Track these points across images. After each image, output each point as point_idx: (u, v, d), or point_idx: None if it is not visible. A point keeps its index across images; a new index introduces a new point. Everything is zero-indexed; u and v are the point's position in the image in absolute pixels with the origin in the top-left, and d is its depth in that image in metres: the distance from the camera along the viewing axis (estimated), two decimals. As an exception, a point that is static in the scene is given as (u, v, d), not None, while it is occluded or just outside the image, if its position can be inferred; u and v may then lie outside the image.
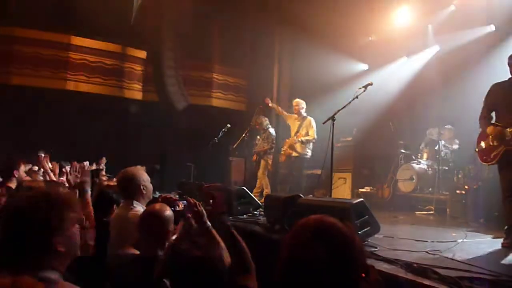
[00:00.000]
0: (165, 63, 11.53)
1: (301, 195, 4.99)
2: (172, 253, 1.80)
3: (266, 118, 9.32)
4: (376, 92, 8.86)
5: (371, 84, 5.96)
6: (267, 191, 8.87)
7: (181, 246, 1.82)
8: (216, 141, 9.30)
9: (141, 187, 3.46)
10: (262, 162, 9.09)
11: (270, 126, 9.34)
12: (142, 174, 3.56)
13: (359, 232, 3.93)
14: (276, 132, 9.44)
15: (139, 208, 3.33)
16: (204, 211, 2.97)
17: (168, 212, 2.74)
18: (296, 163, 8.31)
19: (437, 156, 8.15)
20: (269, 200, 5.45)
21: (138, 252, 2.71)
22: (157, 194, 8.69)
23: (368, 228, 4.08)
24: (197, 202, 2.97)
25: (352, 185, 9.51)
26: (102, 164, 7.94)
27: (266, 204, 5.56)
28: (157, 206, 2.78)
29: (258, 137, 9.37)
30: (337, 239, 1.37)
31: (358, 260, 1.37)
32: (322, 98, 9.76)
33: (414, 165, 8.46)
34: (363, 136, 10.04)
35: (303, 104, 8.44)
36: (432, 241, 4.36)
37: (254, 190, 8.90)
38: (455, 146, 8.14)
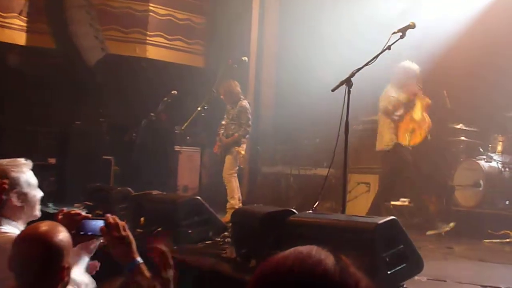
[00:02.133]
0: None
1: (294, 210, 5.01)
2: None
3: (237, 84, 9.29)
4: (421, 41, 8.89)
5: (412, 27, 5.96)
6: (232, 203, 8.94)
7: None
8: (154, 118, 9.24)
9: (16, 195, 3.41)
10: (228, 157, 9.11)
11: (243, 97, 9.33)
12: (20, 173, 3.50)
13: (389, 272, 3.98)
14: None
15: (13, 230, 3.30)
16: (132, 238, 2.98)
17: (61, 236, 2.70)
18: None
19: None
20: (240, 219, 5.47)
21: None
22: (51, 207, 8.66)
23: (404, 265, 4.12)
24: (120, 223, 2.97)
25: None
26: None
27: (234, 225, 5.59)
28: (43, 226, 2.72)
29: (225, 116, 9.34)
30: None
31: None
32: (331, 52, 9.76)
33: (482, 162, 8.54)
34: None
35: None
36: (509, 288, 4.45)
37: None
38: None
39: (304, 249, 1.46)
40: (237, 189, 9.16)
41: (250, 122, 9.21)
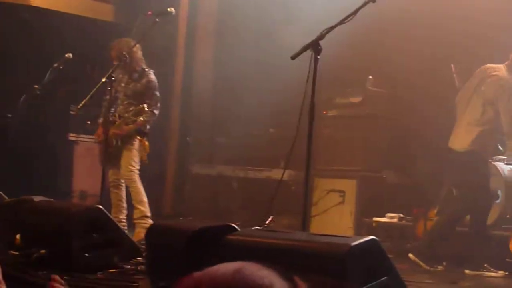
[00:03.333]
0: None
1: (235, 226, 5.08)
2: None
3: (139, 47, 9.14)
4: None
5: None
6: (142, 209, 9.01)
7: None
8: (39, 93, 9.16)
9: None
10: (128, 148, 9.05)
11: (146, 67, 9.36)
12: None
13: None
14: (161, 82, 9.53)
15: None
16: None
17: None
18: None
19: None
20: (159, 238, 5.51)
21: None
22: None
23: (387, 302, 4.20)
24: None
25: (357, 206, 9.73)
26: None
27: (151, 247, 5.61)
28: None
29: (116, 88, 9.22)
30: None
31: None
32: (296, 4, 9.85)
33: (502, 165, 8.72)
34: (388, 95, 10.26)
35: None
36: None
37: (114, 213, 8.94)
38: None
39: (235, 265, 1.51)
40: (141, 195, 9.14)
41: (158, 104, 9.23)
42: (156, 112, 9.16)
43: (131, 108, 9.06)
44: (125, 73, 9.22)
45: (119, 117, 9.12)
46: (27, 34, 11.57)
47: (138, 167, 9.14)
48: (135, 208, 9.03)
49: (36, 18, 12.17)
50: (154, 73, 9.37)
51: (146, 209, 9.02)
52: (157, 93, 9.23)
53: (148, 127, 9.17)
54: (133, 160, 9.07)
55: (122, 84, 9.25)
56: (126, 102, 9.18)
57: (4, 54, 11.16)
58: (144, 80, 9.18)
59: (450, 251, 8.51)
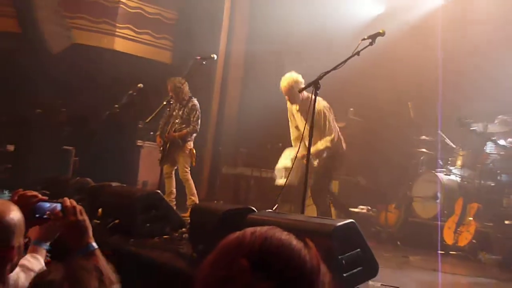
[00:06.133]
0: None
1: (254, 209, 5.08)
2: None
3: (186, 82, 9.27)
4: (390, 50, 9.03)
5: (382, 34, 6.03)
6: (194, 199, 9.11)
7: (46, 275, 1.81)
8: (118, 110, 9.18)
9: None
10: (182, 155, 9.19)
11: (191, 96, 9.50)
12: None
13: (344, 275, 4.00)
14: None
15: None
16: (89, 223, 2.94)
17: (13, 215, 2.60)
18: None
19: (478, 165, 8.38)
20: (199, 215, 5.50)
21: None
22: (7, 194, 8.53)
23: (360, 268, 4.16)
24: (77, 207, 2.92)
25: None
26: None
27: (193, 222, 5.59)
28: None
29: (174, 113, 9.34)
30: (291, 270, 1.41)
31: None
32: (301, 53, 9.80)
33: (441, 175, 8.70)
34: (363, 123, 10.21)
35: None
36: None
37: (166, 196, 8.96)
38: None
39: (266, 227, 1.55)
40: (192, 186, 9.31)
41: (199, 121, 9.39)
42: (197, 127, 9.35)
43: (180, 121, 9.22)
44: (177, 101, 9.34)
45: (174, 130, 9.23)
46: (111, 69, 11.62)
47: (189, 169, 9.29)
48: (189, 198, 9.18)
49: (117, 58, 12.25)
50: (197, 100, 9.49)
51: (196, 198, 9.21)
52: (199, 114, 9.38)
53: (192, 136, 9.32)
54: (187, 163, 9.26)
55: (177, 111, 9.38)
56: (179, 121, 9.28)
57: (94, 83, 11.24)
58: (190, 104, 9.36)
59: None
